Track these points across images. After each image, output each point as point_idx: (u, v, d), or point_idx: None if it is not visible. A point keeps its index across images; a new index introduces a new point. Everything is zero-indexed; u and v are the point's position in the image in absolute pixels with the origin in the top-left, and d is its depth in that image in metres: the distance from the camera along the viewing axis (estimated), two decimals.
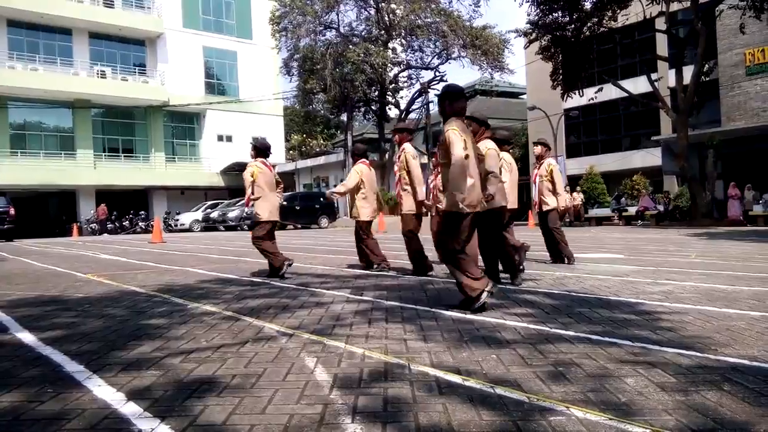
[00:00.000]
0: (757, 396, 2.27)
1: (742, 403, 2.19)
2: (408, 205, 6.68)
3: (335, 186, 32.67)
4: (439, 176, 4.65)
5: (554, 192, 7.52)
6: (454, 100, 4.34)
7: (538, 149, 7.65)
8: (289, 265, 6.57)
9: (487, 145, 5.37)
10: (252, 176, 6.59)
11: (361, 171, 7.16)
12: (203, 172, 35.46)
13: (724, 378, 2.50)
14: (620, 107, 29.08)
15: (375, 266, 7.08)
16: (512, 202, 6.38)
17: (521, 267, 6.06)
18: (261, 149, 6.85)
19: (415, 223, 6.69)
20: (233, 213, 26.58)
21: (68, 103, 31.20)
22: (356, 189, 7.10)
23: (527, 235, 9.83)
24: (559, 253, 7.60)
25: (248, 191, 6.64)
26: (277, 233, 6.94)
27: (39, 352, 3.23)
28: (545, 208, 7.56)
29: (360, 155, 7.43)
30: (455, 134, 4.12)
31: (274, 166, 7.03)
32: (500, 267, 5.80)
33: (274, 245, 6.72)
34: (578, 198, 24.72)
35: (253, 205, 6.70)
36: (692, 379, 2.50)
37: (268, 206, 6.62)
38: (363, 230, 7.13)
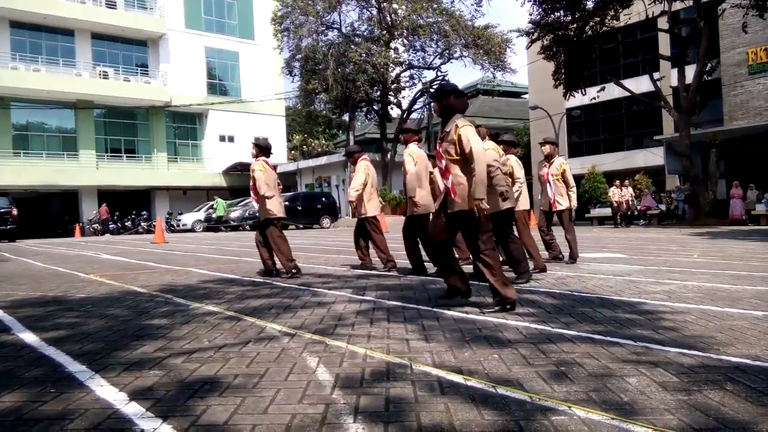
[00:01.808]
0: (759, 395, 2.26)
1: (745, 403, 2.18)
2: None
3: (336, 186, 32.75)
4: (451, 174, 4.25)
5: (568, 191, 7.52)
6: (458, 96, 4.32)
7: (547, 148, 7.60)
8: (296, 272, 6.58)
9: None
10: (261, 174, 6.58)
11: (368, 167, 7.22)
12: (205, 172, 35.47)
13: (727, 377, 2.50)
14: (622, 106, 29.02)
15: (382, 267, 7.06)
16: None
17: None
18: (263, 148, 6.84)
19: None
20: (235, 213, 26.58)
21: (71, 103, 31.22)
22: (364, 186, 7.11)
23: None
24: (571, 252, 7.58)
25: (261, 188, 6.54)
26: None
27: (41, 353, 3.24)
28: (558, 207, 7.53)
29: (358, 152, 7.44)
30: (473, 131, 4.14)
31: (275, 167, 7.02)
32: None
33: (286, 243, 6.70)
34: (627, 193, 22.25)
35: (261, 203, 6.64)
36: (694, 378, 2.49)
37: (278, 204, 6.65)
38: (371, 225, 7.16)
